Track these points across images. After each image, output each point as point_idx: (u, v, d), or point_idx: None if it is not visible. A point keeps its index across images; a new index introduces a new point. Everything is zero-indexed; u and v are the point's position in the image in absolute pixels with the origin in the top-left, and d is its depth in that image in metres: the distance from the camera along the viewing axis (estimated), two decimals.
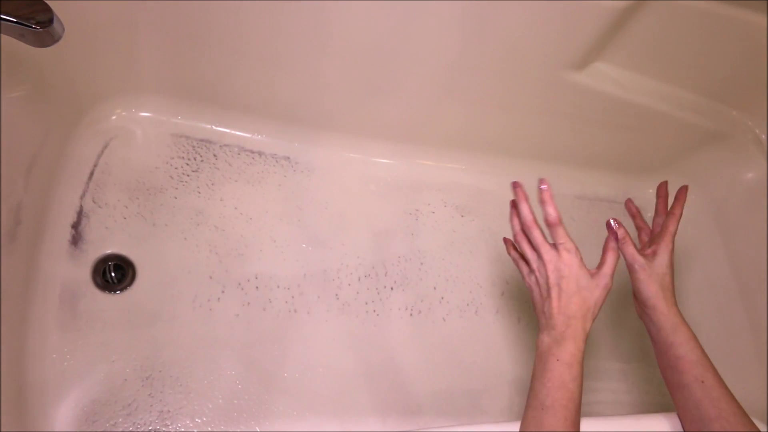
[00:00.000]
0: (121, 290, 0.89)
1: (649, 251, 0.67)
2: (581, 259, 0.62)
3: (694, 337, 0.62)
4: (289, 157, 1.06)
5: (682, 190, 0.73)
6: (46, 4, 0.54)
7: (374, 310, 1.00)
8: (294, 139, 1.06)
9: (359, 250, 1.03)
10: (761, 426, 0.58)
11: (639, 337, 1.10)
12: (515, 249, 0.70)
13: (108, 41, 0.87)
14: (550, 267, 0.61)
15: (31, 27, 0.53)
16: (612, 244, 0.64)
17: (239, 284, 0.94)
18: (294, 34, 0.87)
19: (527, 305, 1.07)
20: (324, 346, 0.95)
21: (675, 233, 0.69)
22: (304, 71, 0.94)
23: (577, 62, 0.93)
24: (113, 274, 0.89)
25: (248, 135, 1.04)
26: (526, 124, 1.07)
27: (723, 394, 0.58)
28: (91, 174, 0.93)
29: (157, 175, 0.97)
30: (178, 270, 0.92)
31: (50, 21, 0.54)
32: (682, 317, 0.63)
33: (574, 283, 0.60)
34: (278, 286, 0.96)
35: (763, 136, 1.06)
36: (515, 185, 0.67)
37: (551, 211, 0.63)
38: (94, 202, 0.92)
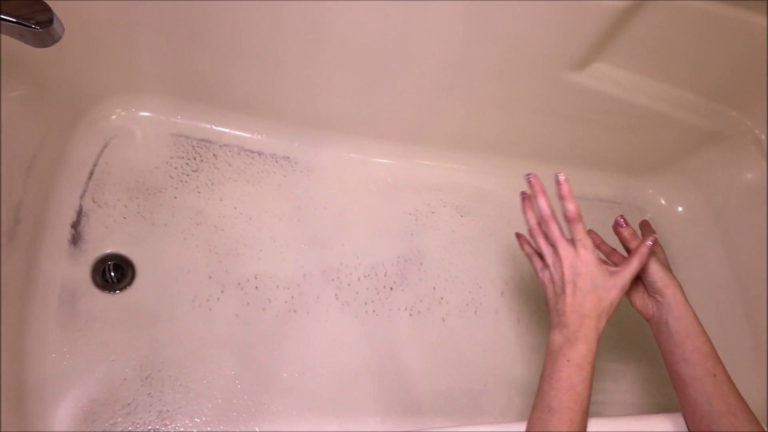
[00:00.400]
0: (121, 290, 0.89)
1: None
2: (598, 257, 0.60)
3: (705, 331, 0.62)
4: (289, 157, 1.06)
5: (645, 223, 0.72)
6: (46, 5, 0.54)
7: (374, 310, 1.00)
8: (294, 139, 1.06)
9: (359, 250, 1.03)
10: (764, 426, 0.58)
11: (639, 337, 1.10)
12: (529, 245, 0.69)
13: (108, 41, 0.87)
14: (567, 263, 0.59)
15: (31, 27, 0.53)
16: (642, 249, 0.61)
17: (239, 284, 0.94)
18: (294, 33, 0.87)
19: (527, 305, 1.07)
20: (323, 346, 0.95)
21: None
22: (304, 71, 0.94)
23: (577, 62, 0.93)
24: (113, 274, 0.89)
25: (248, 135, 1.05)
26: (526, 124, 1.07)
27: (732, 390, 0.58)
28: (91, 174, 0.93)
29: (156, 175, 0.97)
30: (178, 270, 0.92)
31: (50, 21, 0.54)
32: (692, 309, 0.63)
33: (590, 281, 0.58)
34: (278, 286, 0.96)
35: (763, 137, 1.06)
36: (531, 177, 0.64)
37: (571, 207, 0.60)
38: (93, 201, 0.92)
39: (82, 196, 0.91)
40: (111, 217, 0.92)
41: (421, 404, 0.95)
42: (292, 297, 0.96)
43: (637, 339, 1.10)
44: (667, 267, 0.65)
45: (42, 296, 0.83)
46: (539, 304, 1.08)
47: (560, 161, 1.17)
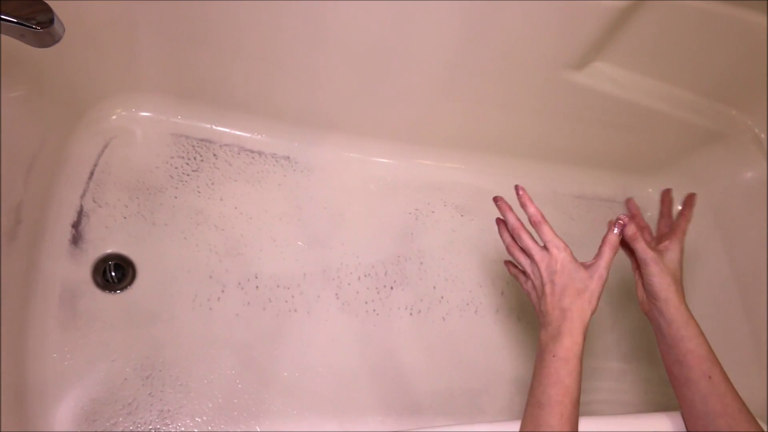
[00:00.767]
0: (121, 290, 0.89)
1: (661, 246, 0.68)
2: (572, 253, 0.62)
3: (703, 333, 0.62)
4: (289, 157, 1.06)
5: (691, 197, 0.74)
6: (47, 5, 0.54)
7: (374, 310, 1.00)
8: (294, 139, 1.06)
9: (359, 249, 1.03)
10: (762, 426, 0.58)
11: (639, 336, 1.10)
12: (513, 265, 0.71)
13: (108, 41, 0.87)
14: (542, 266, 0.62)
15: (32, 27, 0.53)
16: (609, 237, 0.64)
17: (239, 284, 0.94)
18: (294, 33, 0.87)
19: (527, 304, 1.08)
20: (324, 346, 0.95)
21: (686, 231, 0.70)
22: (304, 71, 0.94)
23: (576, 62, 0.93)
24: (113, 274, 0.89)
25: (248, 134, 1.05)
26: (526, 124, 1.07)
27: (729, 391, 0.58)
28: (91, 173, 0.93)
29: (157, 175, 0.97)
30: (178, 269, 0.92)
31: (51, 21, 0.54)
32: (691, 313, 0.63)
33: (566, 276, 0.60)
34: (278, 286, 0.96)
35: (763, 136, 1.06)
36: (496, 200, 0.69)
37: (533, 210, 0.64)
38: (94, 201, 0.92)
39: (82, 196, 0.91)
40: (111, 216, 0.92)
41: (421, 403, 0.95)
42: (293, 296, 0.96)
43: (637, 339, 1.10)
44: (673, 267, 0.66)
45: (43, 296, 0.83)
46: None
47: (560, 161, 1.17)
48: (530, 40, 0.88)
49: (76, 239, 0.89)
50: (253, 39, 0.88)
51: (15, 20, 0.53)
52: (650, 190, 1.25)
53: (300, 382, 0.91)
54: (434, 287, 1.05)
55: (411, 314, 1.01)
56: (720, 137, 1.08)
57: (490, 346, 1.03)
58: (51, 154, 0.87)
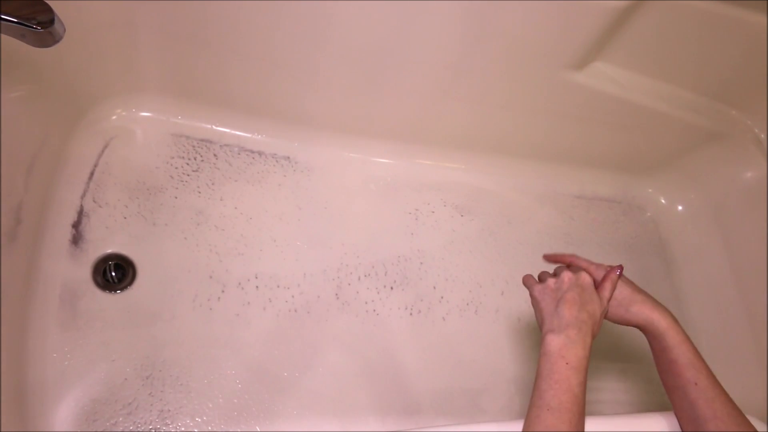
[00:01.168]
0: (122, 289, 0.89)
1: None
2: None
3: (686, 340, 0.62)
4: (289, 157, 1.06)
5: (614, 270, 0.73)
6: (47, 5, 0.54)
7: (374, 310, 1.00)
8: (294, 139, 1.06)
9: (359, 249, 1.03)
10: (761, 426, 0.58)
11: (639, 337, 1.10)
12: (529, 276, 0.73)
13: (108, 41, 0.87)
14: (567, 278, 0.65)
15: (32, 27, 0.53)
16: (611, 275, 0.67)
17: (239, 284, 0.94)
18: (294, 34, 0.87)
19: (527, 304, 1.07)
20: (324, 346, 0.95)
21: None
22: (304, 71, 0.94)
23: (576, 62, 0.93)
24: (113, 274, 0.89)
25: (248, 135, 1.05)
26: (526, 124, 1.07)
27: (718, 395, 0.58)
28: (92, 174, 0.93)
29: (157, 175, 0.97)
30: (179, 269, 0.92)
31: (51, 21, 0.54)
32: (671, 319, 0.63)
33: (588, 294, 0.63)
34: (278, 286, 0.96)
35: (763, 136, 1.06)
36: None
37: (569, 258, 0.71)
38: (94, 201, 0.92)
39: (82, 196, 0.91)
40: (112, 217, 0.92)
41: (421, 403, 0.95)
42: (293, 296, 0.97)
43: (636, 339, 1.10)
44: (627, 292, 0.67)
45: (43, 296, 0.83)
46: None
47: (560, 161, 1.17)
48: (531, 41, 0.88)
49: (77, 239, 0.89)
50: (253, 39, 0.88)
51: (15, 20, 0.53)
52: (650, 190, 1.25)
53: (300, 382, 0.91)
54: (434, 287, 1.05)
55: (411, 314, 1.02)
56: (720, 137, 1.08)
57: (490, 346, 1.03)
58: (51, 155, 0.87)
